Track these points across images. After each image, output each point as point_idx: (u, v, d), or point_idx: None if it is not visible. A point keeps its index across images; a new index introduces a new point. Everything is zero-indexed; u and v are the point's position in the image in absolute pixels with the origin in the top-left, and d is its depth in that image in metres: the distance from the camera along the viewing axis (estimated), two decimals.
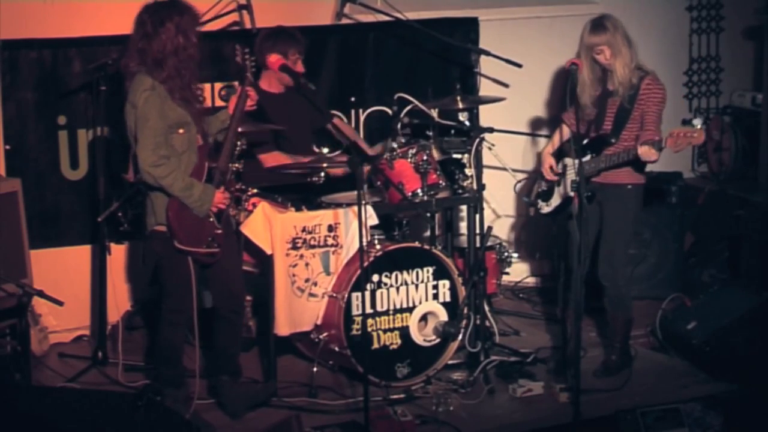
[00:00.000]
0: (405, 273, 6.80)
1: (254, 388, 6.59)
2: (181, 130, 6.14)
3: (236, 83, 6.56)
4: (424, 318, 6.88)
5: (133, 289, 7.60)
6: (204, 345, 6.54)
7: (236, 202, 6.48)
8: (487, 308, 7.16)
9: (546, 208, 6.99)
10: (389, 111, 7.66)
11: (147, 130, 6.06)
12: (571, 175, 6.82)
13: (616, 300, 6.92)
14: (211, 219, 6.23)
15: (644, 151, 6.56)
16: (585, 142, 6.75)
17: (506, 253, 7.63)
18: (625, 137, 6.73)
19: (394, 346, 6.79)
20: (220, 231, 6.26)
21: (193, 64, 6.21)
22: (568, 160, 6.87)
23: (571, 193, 6.75)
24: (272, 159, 6.99)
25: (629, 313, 6.97)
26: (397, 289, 6.79)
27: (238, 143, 6.37)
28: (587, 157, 6.72)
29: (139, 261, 7.42)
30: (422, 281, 6.84)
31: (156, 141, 6.06)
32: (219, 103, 7.45)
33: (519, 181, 7.58)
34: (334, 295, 6.68)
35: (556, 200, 6.95)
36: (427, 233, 7.63)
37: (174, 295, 6.28)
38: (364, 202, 6.13)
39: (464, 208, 7.30)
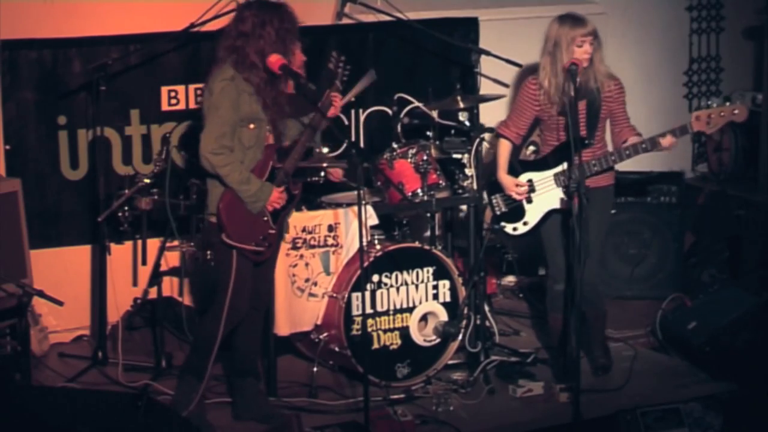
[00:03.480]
0: (405, 273, 6.80)
1: (270, 406, 6.50)
2: (251, 126, 6.11)
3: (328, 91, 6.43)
4: (424, 318, 6.88)
5: (133, 289, 7.59)
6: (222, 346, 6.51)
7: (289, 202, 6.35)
8: (487, 308, 7.16)
9: (522, 228, 6.84)
10: (389, 111, 7.66)
11: (216, 118, 6.04)
12: (544, 189, 6.75)
13: (595, 297, 6.82)
14: (266, 218, 6.20)
15: (669, 141, 6.53)
16: (553, 149, 6.70)
17: (506, 254, 7.63)
18: (598, 138, 6.71)
19: (394, 346, 6.79)
20: (273, 231, 6.23)
21: (290, 73, 6.11)
22: (533, 174, 6.78)
23: (554, 206, 6.70)
24: None
25: (604, 306, 6.93)
26: (397, 289, 6.79)
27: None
28: (560, 167, 6.67)
29: (139, 261, 7.42)
30: (422, 281, 6.84)
31: (222, 130, 6.03)
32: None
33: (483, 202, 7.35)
34: (334, 295, 6.68)
35: (533, 217, 6.83)
36: (427, 233, 7.63)
37: (231, 290, 6.18)
38: (364, 202, 6.12)
39: (464, 208, 7.29)
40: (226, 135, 6.05)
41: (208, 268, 6.30)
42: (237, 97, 6.06)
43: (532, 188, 6.79)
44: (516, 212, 6.84)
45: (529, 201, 6.81)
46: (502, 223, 6.87)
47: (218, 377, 6.69)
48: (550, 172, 6.74)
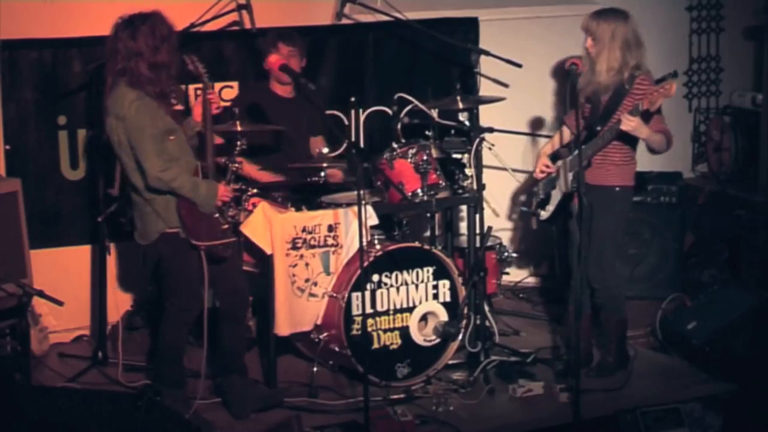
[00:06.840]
0: (405, 273, 6.80)
1: (262, 391, 6.57)
2: (171, 137, 6.15)
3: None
4: (424, 318, 6.88)
5: (133, 289, 7.60)
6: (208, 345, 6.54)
7: (236, 202, 6.49)
8: (487, 308, 7.16)
9: (544, 214, 6.96)
10: (389, 111, 7.66)
11: (146, 137, 6.05)
12: (561, 176, 6.80)
13: (608, 302, 6.87)
14: (216, 215, 6.25)
15: (624, 121, 6.50)
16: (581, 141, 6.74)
17: (506, 253, 7.63)
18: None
19: (394, 346, 6.79)
20: (226, 226, 6.29)
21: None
22: (560, 162, 6.87)
23: (563, 191, 6.75)
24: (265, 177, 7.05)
25: (622, 314, 6.92)
26: (397, 289, 6.79)
27: (238, 143, 6.39)
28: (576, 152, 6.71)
29: (139, 261, 7.43)
30: (422, 281, 6.84)
31: (157, 147, 6.06)
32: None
33: (521, 194, 7.48)
34: (334, 295, 6.68)
35: (553, 203, 6.91)
36: (427, 233, 7.63)
37: (183, 293, 6.28)
38: (364, 202, 6.13)
39: (464, 208, 7.30)
40: (162, 150, 6.08)
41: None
42: (152, 113, 6.08)
43: (558, 175, 6.85)
44: (548, 199, 6.95)
45: (553, 187, 6.88)
46: (539, 210, 6.99)
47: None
48: (566, 160, 6.78)
